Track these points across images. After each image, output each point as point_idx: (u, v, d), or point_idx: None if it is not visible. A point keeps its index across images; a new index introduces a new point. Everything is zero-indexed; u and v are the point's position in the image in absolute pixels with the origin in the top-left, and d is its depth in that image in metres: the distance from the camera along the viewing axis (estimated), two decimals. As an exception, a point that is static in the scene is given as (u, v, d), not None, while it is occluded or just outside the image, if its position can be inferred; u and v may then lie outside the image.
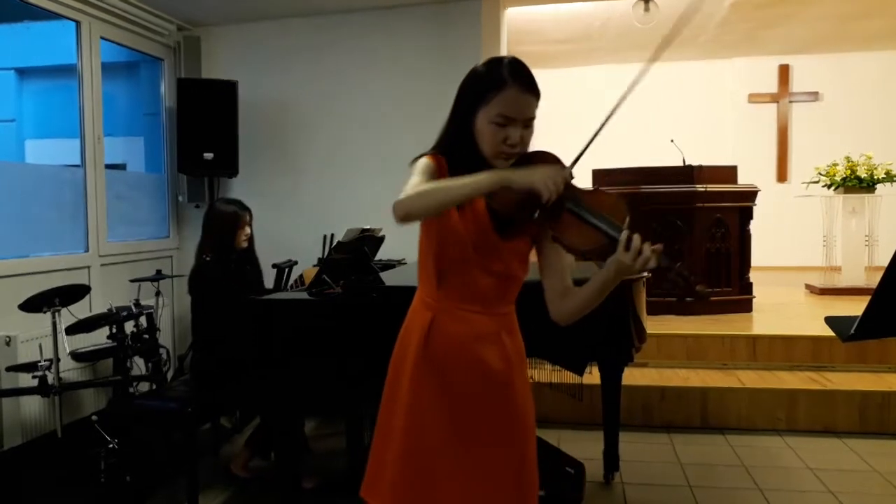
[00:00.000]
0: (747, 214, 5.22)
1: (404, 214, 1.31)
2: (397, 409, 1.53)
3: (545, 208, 1.36)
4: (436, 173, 1.44)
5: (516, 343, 1.58)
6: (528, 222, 1.45)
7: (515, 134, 1.42)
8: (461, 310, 1.50)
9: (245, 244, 3.26)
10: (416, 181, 1.39)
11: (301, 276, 3.76)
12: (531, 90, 1.42)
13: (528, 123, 1.44)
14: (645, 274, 2.87)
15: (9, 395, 3.27)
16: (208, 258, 3.14)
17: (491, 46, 4.58)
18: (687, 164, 5.36)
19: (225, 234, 3.18)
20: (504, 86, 1.40)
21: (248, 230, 3.26)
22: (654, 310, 4.36)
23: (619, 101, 1.41)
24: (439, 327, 1.50)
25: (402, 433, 1.50)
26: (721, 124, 8.55)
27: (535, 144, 1.52)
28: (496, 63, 1.45)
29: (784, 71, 8.51)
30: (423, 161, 1.46)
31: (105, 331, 3.21)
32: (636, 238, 1.30)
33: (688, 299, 1.37)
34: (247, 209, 3.27)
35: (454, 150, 1.48)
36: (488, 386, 1.51)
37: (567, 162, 1.48)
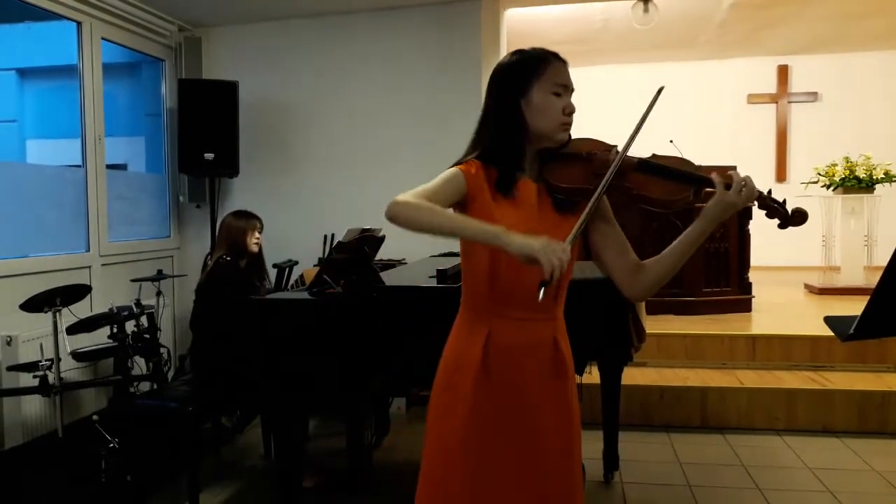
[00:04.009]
0: (746, 214, 5.21)
1: (392, 216, 1.31)
2: (455, 435, 1.45)
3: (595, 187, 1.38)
4: (461, 185, 1.40)
5: (569, 351, 1.54)
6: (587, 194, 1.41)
7: (571, 103, 1.45)
8: (517, 319, 1.45)
9: (255, 248, 3.36)
10: (426, 188, 1.36)
11: (301, 276, 3.78)
12: (566, 63, 1.47)
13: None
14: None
15: (10, 395, 3.28)
16: (228, 257, 3.22)
17: (491, 47, 4.57)
18: (686, 164, 5.36)
19: (237, 239, 3.28)
20: (548, 60, 1.44)
21: (257, 235, 3.36)
22: (653, 310, 4.37)
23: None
24: (497, 341, 1.44)
25: (463, 456, 1.44)
26: (720, 125, 8.55)
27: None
28: (526, 50, 1.48)
29: (783, 71, 8.52)
30: (451, 171, 1.42)
31: (106, 330, 3.23)
32: (735, 174, 1.35)
33: (789, 225, 1.42)
34: (256, 217, 3.39)
35: (498, 142, 1.44)
36: (548, 398, 1.47)
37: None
